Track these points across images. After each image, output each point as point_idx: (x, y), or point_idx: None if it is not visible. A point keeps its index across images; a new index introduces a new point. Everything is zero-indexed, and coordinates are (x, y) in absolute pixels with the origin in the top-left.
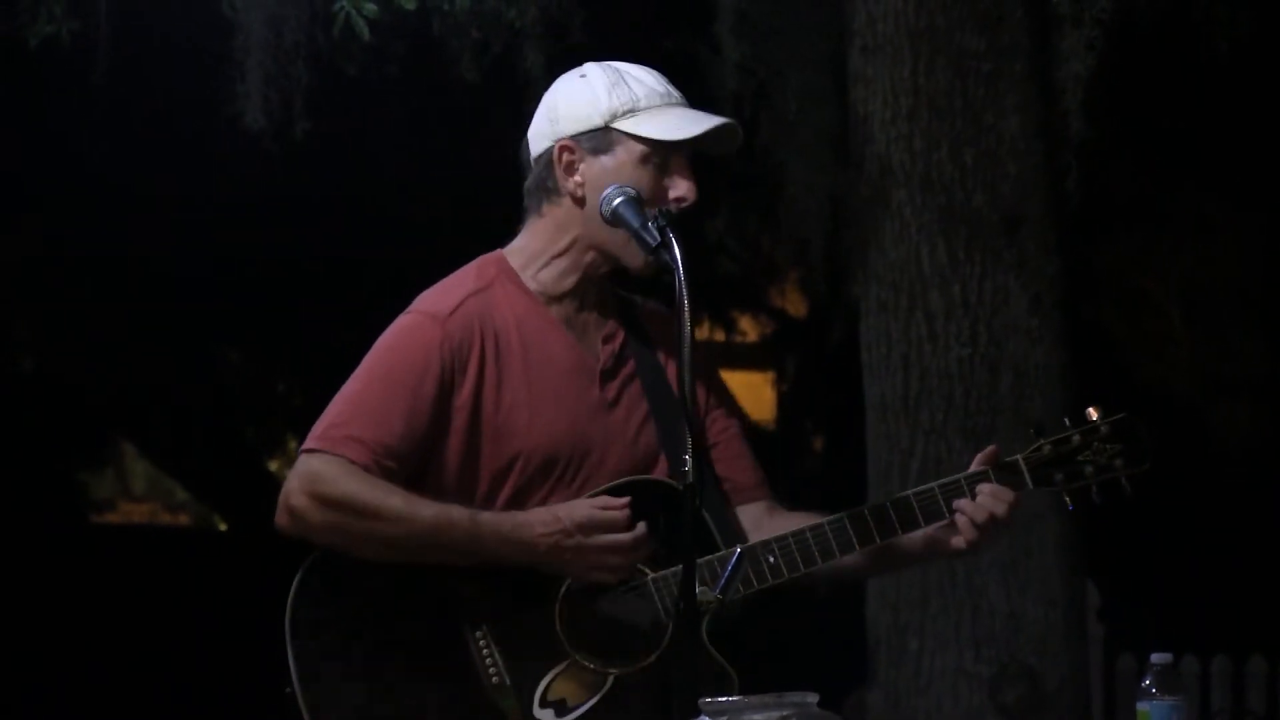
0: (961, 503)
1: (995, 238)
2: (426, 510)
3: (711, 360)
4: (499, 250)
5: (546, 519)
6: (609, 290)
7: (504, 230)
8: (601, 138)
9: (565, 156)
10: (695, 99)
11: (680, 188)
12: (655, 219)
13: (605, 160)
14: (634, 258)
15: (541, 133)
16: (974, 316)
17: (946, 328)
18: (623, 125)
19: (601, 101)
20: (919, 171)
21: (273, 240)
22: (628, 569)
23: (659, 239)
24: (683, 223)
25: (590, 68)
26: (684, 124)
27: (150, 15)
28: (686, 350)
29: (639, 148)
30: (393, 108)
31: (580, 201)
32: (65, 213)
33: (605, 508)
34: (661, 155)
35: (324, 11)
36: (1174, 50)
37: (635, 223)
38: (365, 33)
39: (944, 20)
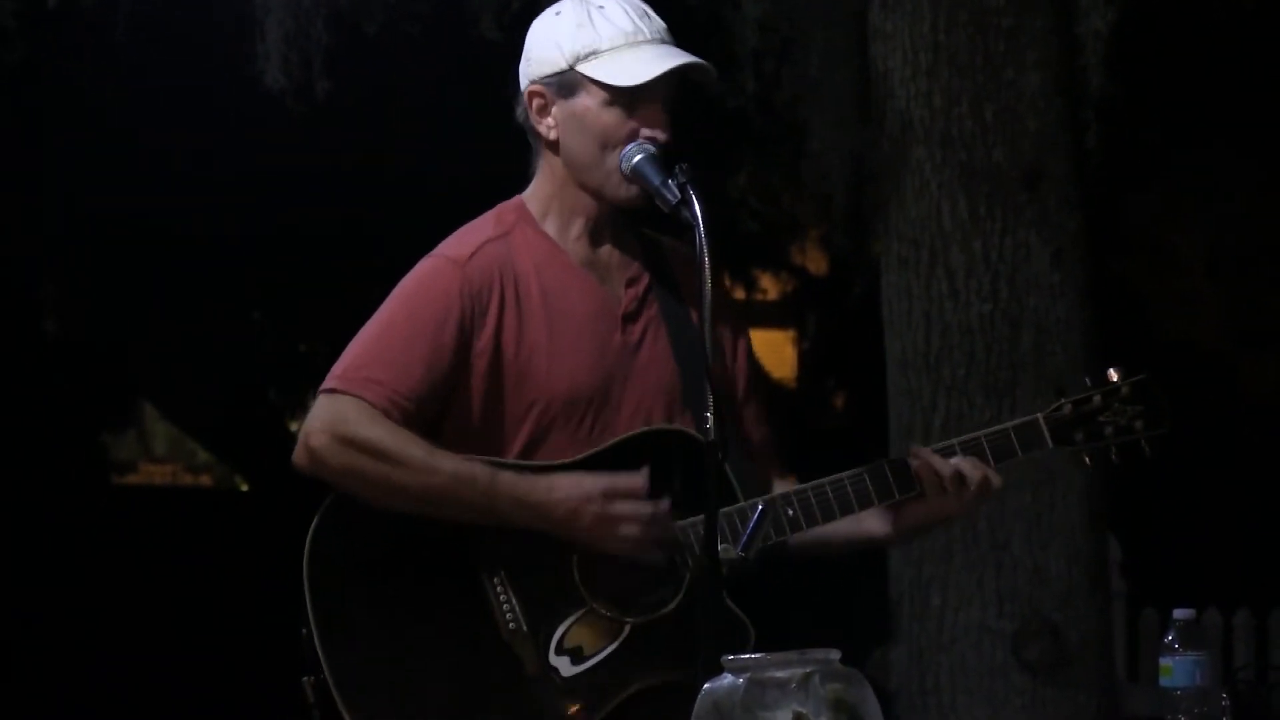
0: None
1: (1016, 193)
2: (447, 463)
3: (739, 319)
4: (518, 196)
5: (568, 483)
6: (632, 231)
7: (525, 188)
8: (567, 80)
9: (536, 101)
10: (716, 56)
11: (650, 127)
12: (675, 176)
13: (574, 103)
14: (616, 190)
15: (522, 71)
16: (995, 272)
17: (968, 284)
18: (583, 68)
19: (565, 44)
20: (939, 128)
21: (294, 200)
22: (644, 544)
23: (679, 196)
24: (704, 180)
25: (566, 4)
26: (641, 67)
27: None
28: (708, 307)
29: (601, 91)
30: (413, 66)
31: (555, 144)
32: (87, 174)
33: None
34: (626, 96)
35: None
36: (1195, 3)
37: (655, 180)
38: None
39: None
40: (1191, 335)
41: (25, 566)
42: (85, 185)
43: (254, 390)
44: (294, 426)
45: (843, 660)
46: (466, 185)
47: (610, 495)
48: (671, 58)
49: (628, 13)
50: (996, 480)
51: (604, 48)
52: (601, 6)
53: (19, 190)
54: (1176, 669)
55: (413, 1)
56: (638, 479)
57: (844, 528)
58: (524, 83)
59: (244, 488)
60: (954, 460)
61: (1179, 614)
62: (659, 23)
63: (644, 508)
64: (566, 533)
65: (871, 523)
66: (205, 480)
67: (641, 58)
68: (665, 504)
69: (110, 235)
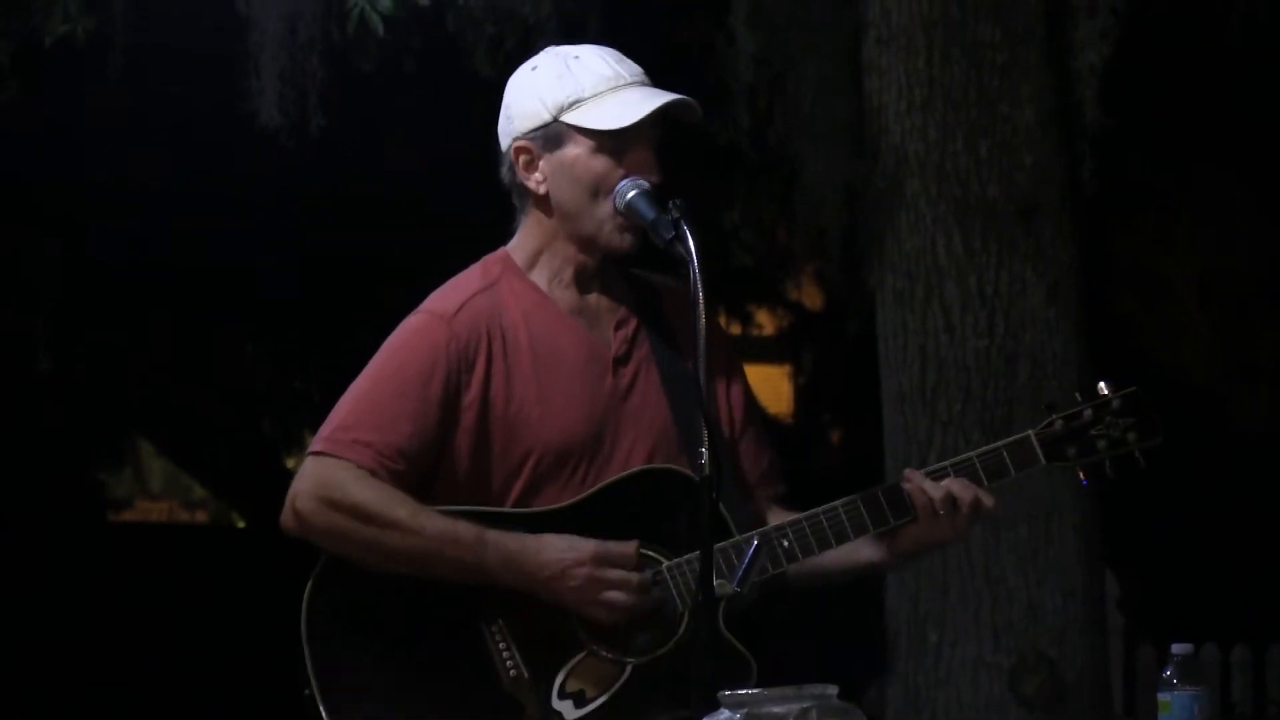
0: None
1: (1011, 227)
2: (433, 523)
3: (732, 352)
4: (503, 248)
5: (560, 545)
6: (621, 273)
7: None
8: (552, 132)
9: (522, 157)
10: (710, 90)
11: (640, 170)
12: (669, 211)
13: (561, 155)
14: (610, 237)
15: (503, 130)
16: (990, 307)
17: (963, 318)
18: (569, 118)
19: (547, 96)
20: (934, 162)
21: (289, 236)
22: (629, 610)
23: (673, 231)
24: (698, 215)
25: (542, 59)
26: (626, 109)
27: (165, 12)
28: (701, 344)
29: (588, 139)
30: (408, 103)
31: (545, 198)
32: (82, 211)
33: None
34: (614, 141)
35: (338, 7)
36: (1188, 36)
37: (649, 215)
38: (380, 28)
39: (958, 10)
40: (1185, 367)
41: (21, 605)
42: (79, 221)
43: (250, 426)
44: (290, 462)
45: (839, 696)
46: (461, 221)
47: (601, 560)
48: (656, 97)
49: (605, 59)
50: (989, 500)
51: (587, 95)
52: (577, 56)
53: (13, 226)
54: (1175, 704)
55: (407, 38)
56: (630, 547)
57: (840, 556)
58: (506, 141)
59: (240, 524)
60: (945, 483)
61: (1177, 649)
62: (635, 66)
63: (633, 576)
64: (552, 593)
65: (866, 550)
66: (201, 517)
67: (625, 100)
68: (649, 575)
69: (105, 272)
